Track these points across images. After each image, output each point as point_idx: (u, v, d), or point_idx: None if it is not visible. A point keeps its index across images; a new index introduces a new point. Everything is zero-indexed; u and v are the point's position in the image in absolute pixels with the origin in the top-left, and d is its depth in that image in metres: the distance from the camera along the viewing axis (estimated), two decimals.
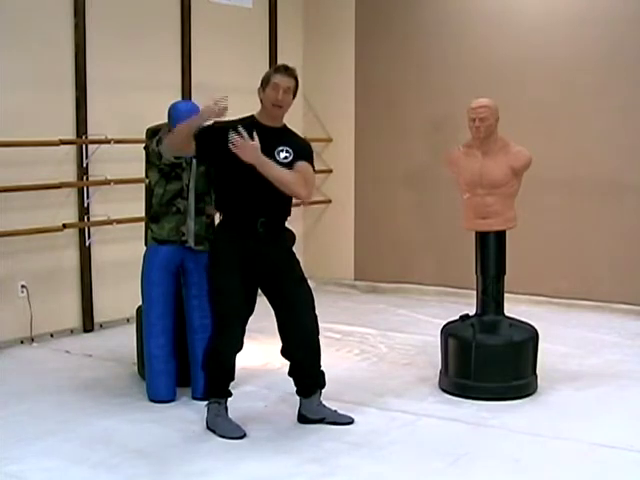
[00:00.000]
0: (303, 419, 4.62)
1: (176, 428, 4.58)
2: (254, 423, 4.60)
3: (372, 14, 8.26)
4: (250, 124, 4.35)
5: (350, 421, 4.62)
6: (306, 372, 4.58)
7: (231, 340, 4.45)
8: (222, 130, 4.28)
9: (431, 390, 5.24)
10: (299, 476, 3.98)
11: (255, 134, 4.25)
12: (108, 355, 6.06)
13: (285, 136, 4.48)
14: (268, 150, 4.30)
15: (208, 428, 4.50)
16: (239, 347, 4.48)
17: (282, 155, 4.38)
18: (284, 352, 4.57)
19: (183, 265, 5.02)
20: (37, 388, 5.29)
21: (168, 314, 5.00)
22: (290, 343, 4.52)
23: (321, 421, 4.59)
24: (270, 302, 4.52)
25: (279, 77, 4.39)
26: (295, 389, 4.63)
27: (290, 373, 4.61)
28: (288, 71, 4.42)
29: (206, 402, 4.56)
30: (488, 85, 7.19)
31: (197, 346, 5.01)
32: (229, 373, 4.51)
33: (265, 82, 4.41)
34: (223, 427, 4.45)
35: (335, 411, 4.65)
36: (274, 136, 4.39)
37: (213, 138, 4.31)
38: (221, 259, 4.42)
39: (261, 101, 4.44)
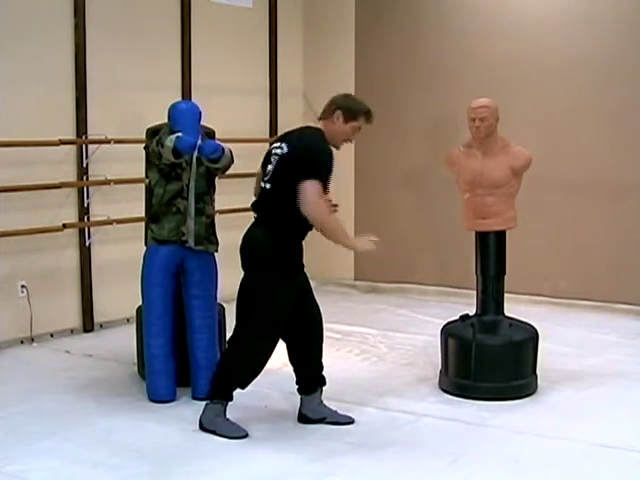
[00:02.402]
0: (304, 419, 4.62)
1: (176, 428, 4.58)
2: (254, 423, 4.60)
3: (372, 14, 8.26)
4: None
5: (350, 421, 4.63)
6: (315, 365, 4.59)
7: (273, 349, 4.45)
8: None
9: (431, 390, 5.24)
10: (299, 476, 3.99)
11: None
12: (108, 355, 6.06)
13: None
14: None
15: (202, 428, 4.47)
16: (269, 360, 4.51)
17: None
18: (296, 345, 4.57)
19: (183, 265, 5.02)
20: (37, 388, 5.29)
21: (168, 314, 5.00)
22: (312, 335, 4.55)
23: (321, 421, 4.59)
24: (297, 303, 4.48)
25: (364, 123, 4.41)
26: (296, 387, 4.64)
27: (296, 367, 4.60)
28: (372, 118, 4.43)
29: (207, 401, 4.53)
30: (488, 85, 7.19)
31: (197, 346, 5.01)
32: (252, 379, 4.49)
33: (351, 117, 4.36)
34: (224, 427, 4.44)
35: (335, 411, 4.66)
36: None
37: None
38: (288, 274, 4.35)
39: (327, 117, 4.39)
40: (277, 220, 4.34)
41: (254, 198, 4.56)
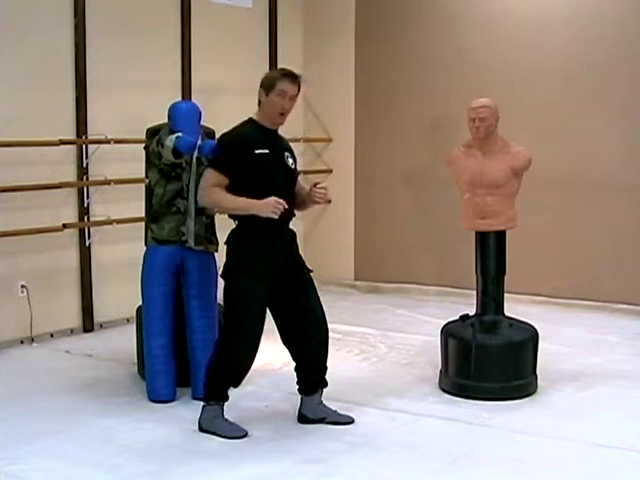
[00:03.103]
0: (303, 419, 4.62)
1: (176, 428, 4.58)
2: (254, 423, 4.59)
3: (372, 14, 8.26)
4: (259, 131, 4.39)
5: (350, 421, 4.63)
6: (315, 366, 4.57)
7: (254, 346, 4.43)
8: (243, 146, 4.34)
9: (431, 390, 5.24)
10: (299, 476, 3.98)
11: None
12: (108, 355, 6.06)
13: (281, 138, 4.58)
14: (279, 154, 4.43)
15: (202, 429, 4.47)
16: (257, 352, 4.48)
17: (290, 161, 4.51)
18: (296, 346, 4.55)
19: (183, 265, 5.02)
20: (37, 388, 5.29)
21: (168, 314, 5.00)
22: (308, 335, 4.51)
23: (321, 421, 4.59)
24: (283, 300, 4.47)
25: (286, 84, 4.36)
26: (297, 387, 4.63)
27: (297, 367, 4.60)
28: (295, 79, 4.38)
29: (203, 404, 4.52)
30: (488, 85, 7.18)
31: (197, 346, 5.01)
32: (241, 377, 4.48)
33: (269, 86, 4.36)
34: (224, 428, 4.44)
35: (335, 411, 4.65)
36: (277, 139, 4.50)
37: (237, 157, 4.33)
38: (252, 265, 4.35)
39: (259, 102, 4.43)
40: (236, 219, 4.44)
41: None
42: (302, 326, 4.52)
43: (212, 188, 4.35)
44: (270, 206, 4.23)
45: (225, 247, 4.49)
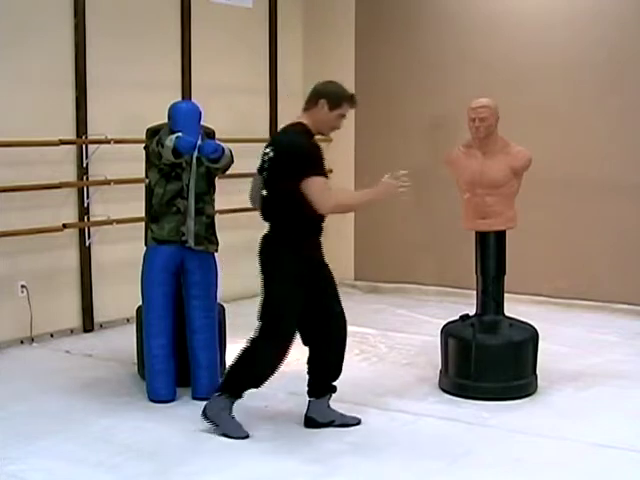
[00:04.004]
0: (312, 423, 4.56)
1: (176, 428, 4.57)
2: (255, 423, 4.59)
3: (372, 14, 8.26)
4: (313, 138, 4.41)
5: (358, 422, 4.60)
6: (333, 365, 4.53)
7: (281, 352, 4.40)
8: (321, 153, 4.35)
9: (431, 390, 5.24)
10: (300, 476, 3.98)
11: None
12: (108, 355, 6.06)
13: None
14: None
15: (205, 417, 4.43)
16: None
17: None
18: (313, 348, 4.52)
19: (183, 265, 5.02)
20: (37, 388, 5.29)
21: (168, 314, 5.00)
22: (329, 334, 4.49)
23: (330, 424, 4.54)
24: (309, 300, 4.44)
25: (349, 109, 4.46)
26: (307, 390, 4.58)
27: (313, 368, 4.54)
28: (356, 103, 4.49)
29: (217, 392, 4.45)
30: (488, 85, 7.18)
31: (197, 346, 5.01)
32: (266, 380, 4.45)
33: (335, 104, 4.37)
34: (227, 424, 4.41)
35: (342, 414, 4.61)
36: None
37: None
38: (294, 273, 4.32)
39: (310, 107, 4.39)
40: (278, 224, 4.37)
41: (249, 201, 4.62)
42: (323, 326, 4.49)
43: (331, 190, 4.28)
44: (392, 187, 4.46)
45: (260, 256, 4.40)
